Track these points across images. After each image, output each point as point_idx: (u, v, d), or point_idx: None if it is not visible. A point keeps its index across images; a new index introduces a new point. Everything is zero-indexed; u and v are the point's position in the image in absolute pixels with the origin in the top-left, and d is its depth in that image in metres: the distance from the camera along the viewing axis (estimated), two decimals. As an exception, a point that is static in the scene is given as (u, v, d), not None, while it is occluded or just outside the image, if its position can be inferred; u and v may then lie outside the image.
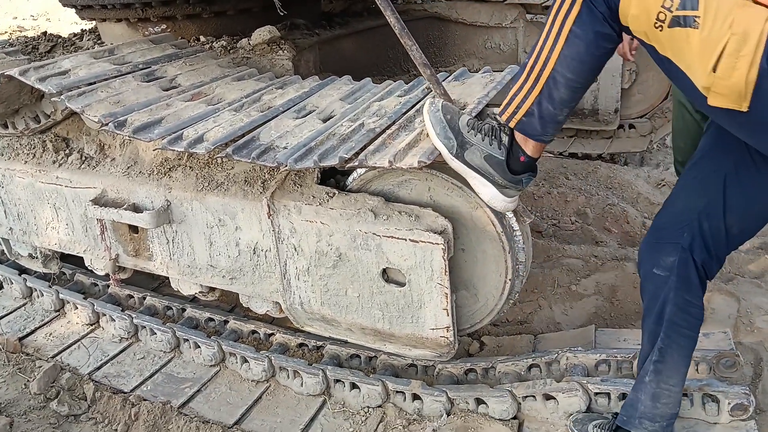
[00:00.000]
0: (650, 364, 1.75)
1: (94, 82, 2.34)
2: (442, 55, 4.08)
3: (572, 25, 1.51)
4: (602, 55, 1.55)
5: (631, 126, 3.94)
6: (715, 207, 1.64)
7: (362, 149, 1.88)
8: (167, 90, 2.41)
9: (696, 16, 1.30)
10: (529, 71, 1.62)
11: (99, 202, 2.40)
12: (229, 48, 2.89)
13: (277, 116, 2.18)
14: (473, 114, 1.89)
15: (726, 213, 1.64)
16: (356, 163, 1.84)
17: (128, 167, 2.41)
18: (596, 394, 1.99)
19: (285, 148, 1.98)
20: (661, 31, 1.36)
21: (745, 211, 1.64)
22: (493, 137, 1.78)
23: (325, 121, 2.15)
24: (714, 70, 1.30)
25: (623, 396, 1.96)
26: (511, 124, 1.70)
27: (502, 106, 1.71)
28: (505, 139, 1.77)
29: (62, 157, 2.54)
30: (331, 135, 2.00)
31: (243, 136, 2.05)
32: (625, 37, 1.63)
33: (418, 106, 2.09)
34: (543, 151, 1.75)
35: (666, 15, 1.33)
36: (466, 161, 1.79)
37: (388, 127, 1.97)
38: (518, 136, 1.74)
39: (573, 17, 1.51)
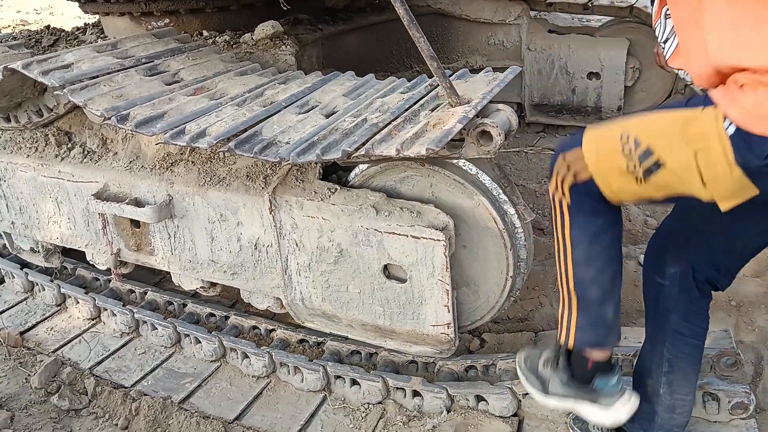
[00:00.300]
0: (662, 376, 1.75)
1: (97, 76, 2.33)
2: (445, 52, 4.07)
3: (570, 230, 1.57)
4: (610, 244, 1.60)
5: (634, 124, 3.93)
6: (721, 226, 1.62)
7: (366, 141, 1.86)
8: (170, 84, 2.41)
9: (657, 160, 1.36)
10: (561, 290, 1.67)
11: (101, 196, 2.40)
12: (232, 43, 2.88)
13: (279, 111, 2.18)
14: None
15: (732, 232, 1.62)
16: (363, 152, 1.82)
17: (130, 162, 2.41)
18: (597, 391, 1.98)
19: (287, 143, 1.97)
20: (645, 183, 1.41)
21: (752, 230, 1.62)
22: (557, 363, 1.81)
23: (327, 116, 2.14)
24: (704, 184, 1.32)
25: (624, 394, 1.96)
26: (570, 346, 1.70)
27: (559, 332, 1.73)
28: (562, 359, 1.78)
29: (64, 151, 2.54)
30: (334, 130, 1.99)
31: (245, 130, 2.04)
32: (657, 47, 1.64)
33: (422, 101, 2.08)
34: (610, 354, 1.74)
35: (638, 174, 1.39)
36: (553, 394, 1.80)
37: (392, 121, 1.96)
38: (584, 351, 1.74)
39: (567, 223, 1.57)
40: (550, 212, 1.59)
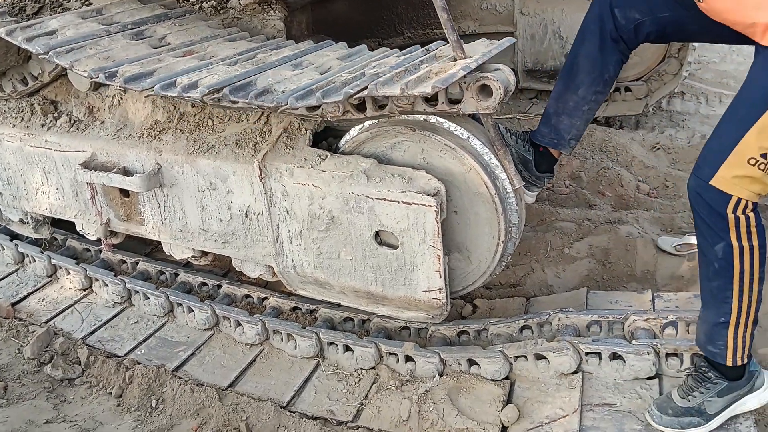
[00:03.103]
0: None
1: (83, 41, 2.29)
2: (438, 17, 4.00)
3: (759, 250, 1.64)
4: None
5: (627, 89, 3.89)
6: None
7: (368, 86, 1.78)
8: (157, 48, 2.36)
9: None
10: (739, 311, 1.68)
11: (89, 165, 2.37)
12: (218, 8, 2.82)
13: (273, 68, 2.12)
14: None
15: None
16: (365, 93, 1.75)
17: (118, 130, 2.38)
18: (587, 353, 2.00)
19: (284, 91, 1.91)
20: None
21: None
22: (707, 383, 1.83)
23: (323, 74, 2.08)
24: None
25: (614, 356, 1.98)
26: (744, 361, 1.75)
27: (729, 354, 1.74)
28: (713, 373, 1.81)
29: (51, 121, 2.51)
30: (332, 81, 1.91)
31: (239, 81, 1.97)
32: None
33: (420, 59, 2.02)
34: None
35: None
36: (715, 414, 1.82)
37: (392, 71, 1.86)
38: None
39: (756, 245, 1.64)
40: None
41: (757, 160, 1.53)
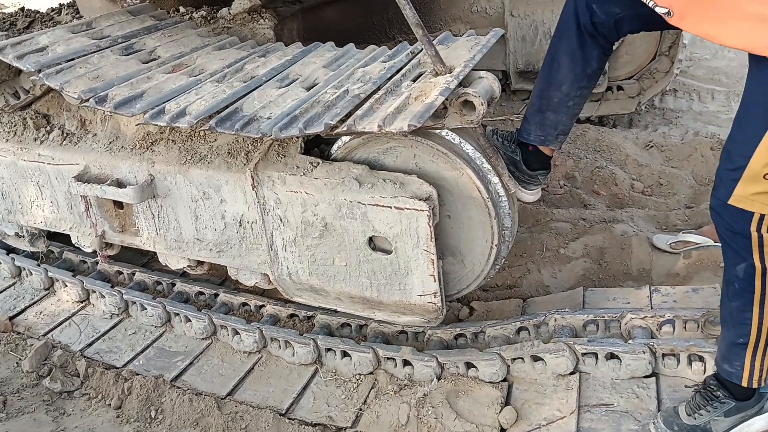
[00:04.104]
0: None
1: (73, 59, 2.30)
2: (428, 20, 4.01)
3: None
4: None
5: (620, 88, 3.91)
6: None
7: (348, 115, 1.84)
8: (147, 63, 2.37)
9: None
10: (758, 335, 1.65)
11: (82, 178, 2.38)
12: (209, 18, 2.84)
13: (260, 86, 2.15)
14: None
15: None
16: (344, 129, 1.81)
17: (110, 142, 2.38)
18: (583, 354, 2.01)
19: (269, 118, 1.96)
20: None
21: None
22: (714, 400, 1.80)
23: (308, 89, 2.12)
24: None
25: (611, 356, 1.99)
26: (762, 383, 1.72)
27: (745, 375, 1.71)
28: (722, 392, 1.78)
29: (43, 134, 2.51)
30: (316, 102, 1.97)
31: (226, 107, 2.02)
32: None
33: (403, 71, 2.06)
34: None
35: None
36: None
37: (374, 93, 1.94)
38: None
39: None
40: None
41: None
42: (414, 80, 1.99)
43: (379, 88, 1.96)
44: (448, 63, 2.03)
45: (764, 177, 1.50)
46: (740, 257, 1.59)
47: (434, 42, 2.33)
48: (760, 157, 1.49)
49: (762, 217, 1.54)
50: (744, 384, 1.71)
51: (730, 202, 1.55)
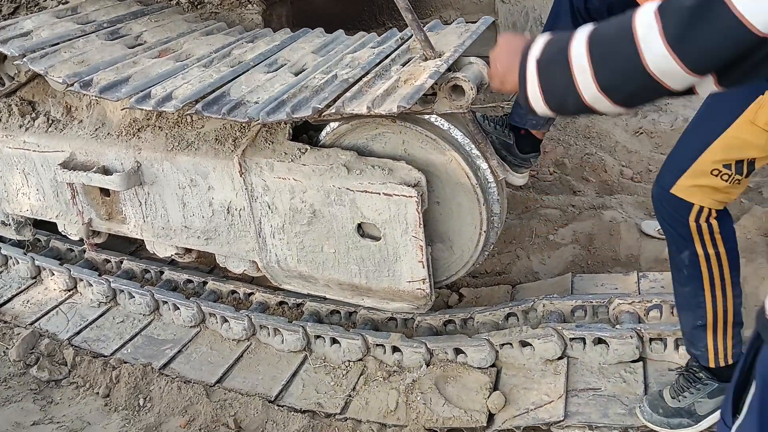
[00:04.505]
0: None
1: (58, 43, 2.27)
2: (419, 7, 3.99)
3: (727, 255, 1.64)
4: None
5: (610, 74, 3.91)
6: None
7: (337, 98, 1.82)
8: (133, 48, 2.35)
9: (750, 160, 1.56)
10: (714, 315, 1.67)
11: (68, 165, 2.36)
12: (196, 3, 2.80)
13: (247, 71, 2.13)
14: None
15: None
16: (333, 112, 1.78)
17: (96, 129, 2.36)
18: (571, 339, 2.01)
19: (256, 102, 1.94)
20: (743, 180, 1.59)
21: None
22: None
23: (297, 74, 2.10)
24: None
25: (599, 341, 1.99)
26: (730, 362, 1.72)
27: (709, 356, 1.73)
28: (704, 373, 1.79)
29: (28, 121, 2.48)
30: (304, 87, 1.95)
31: (213, 92, 2.00)
32: None
33: (392, 56, 2.05)
34: None
35: (738, 179, 1.56)
36: (706, 414, 1.80)
37: (363, 77, 1.92)
38: None
39: (723, 250, 1.63)
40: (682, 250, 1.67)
41: (720, 171, 1.54)
42: (403, 65, 1.97)
43: (367, 73, 1.95)
44: (438, 49, 2.02)
45: (711, 172, 1.55)
46: (683, 245, 1.64)
47: (424, 29, 2.32)
48: (714, 153, 1.53)
49: (701, 209, 1.58)
50: (711, 365, 1.72)
51: (672, 191, 1.60)
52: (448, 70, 1.82)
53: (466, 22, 2.33)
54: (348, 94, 1.82)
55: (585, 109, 0.98)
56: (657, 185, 1.66)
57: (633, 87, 0.92)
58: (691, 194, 1.58)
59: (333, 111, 1.78)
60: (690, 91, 0.92)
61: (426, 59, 1.89)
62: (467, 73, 1.82)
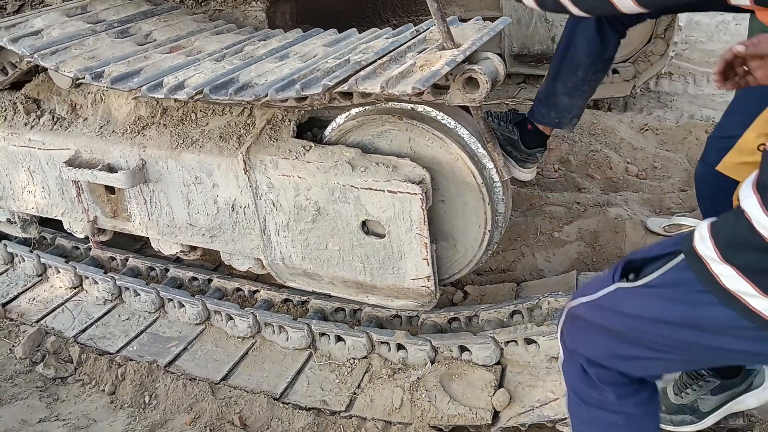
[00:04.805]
0: None
1: (68, 42, 2.28)
2: (422, 3, 3.98)
3: None
4: None
5: (615, 71, 3.88)
6: None
7: (349, 77, 1.75)
8: (143, 45, 2.35)
9: None
10: None
11: (73, 163, 2.36)
12: (200, 1, 2.81)
13: (258, 62, 2.11)
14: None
15: None
16: (345, 88, 1.72)
17: (101, 127, 2.36)
18: (577, 337, 2.01)
19: (264, 84, 1.91)
20: None
21: None
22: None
23: (307, 61, 2.07)
24: None
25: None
26: None
27: None
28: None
29: (34, 119, 2.49)
30: (315, 69, 1.91)
31: (222, 80, 1.98)
32: None
33: (408, 44, 2.01)
34: None
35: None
36: (709, 411, 1.78)
37: (377, 60, 1.86)
38: None
39: None
40: None
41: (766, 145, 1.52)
42: (419, 53, 1.94)
43: (382, 57, 1.88)
44: (458, 40, 1.97)
45: (758, 148, 1.51)
46: None
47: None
48: (758, 127, 1.50)
49: None
50: None
51: (718, 168, 1.57)
52: (464, 61, 1.79)
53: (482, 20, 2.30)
54: (362, 73, 1.75)
55: (561, 7, 1.41)
56: (702, 163, 1.63)
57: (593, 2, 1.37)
58: (738, 171, 1.54)
59: (345, 88, 1.72)
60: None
61: (443, 49, 1.86)
62: (483, 66, 1.79)
